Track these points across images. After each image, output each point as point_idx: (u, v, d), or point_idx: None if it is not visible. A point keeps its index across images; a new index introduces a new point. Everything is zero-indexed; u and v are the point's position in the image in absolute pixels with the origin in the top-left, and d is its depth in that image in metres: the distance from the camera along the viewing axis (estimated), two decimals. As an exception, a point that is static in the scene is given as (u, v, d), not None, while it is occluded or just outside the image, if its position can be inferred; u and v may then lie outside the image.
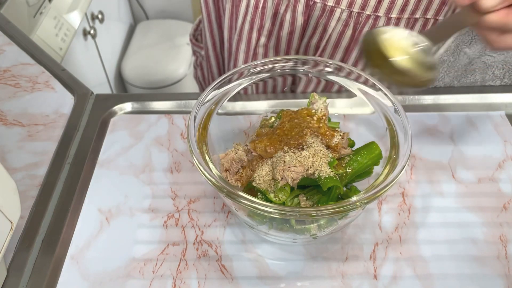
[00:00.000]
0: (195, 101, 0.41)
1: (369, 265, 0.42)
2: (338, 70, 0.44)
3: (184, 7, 1.54)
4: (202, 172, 0.36)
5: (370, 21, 0.51)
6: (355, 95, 0.44)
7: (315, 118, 0.41)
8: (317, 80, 0.61)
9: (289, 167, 0.36)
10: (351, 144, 0.42)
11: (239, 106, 0.48)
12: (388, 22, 0.51)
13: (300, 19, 0.52)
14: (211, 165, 0.37)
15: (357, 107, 0.45)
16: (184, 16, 1.56)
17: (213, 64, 0.69)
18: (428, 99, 0.57)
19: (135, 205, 0.47)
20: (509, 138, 0.52)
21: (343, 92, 0.45)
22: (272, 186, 0.38)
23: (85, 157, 0.52)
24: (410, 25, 0.51)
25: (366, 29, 0.52)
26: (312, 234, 0.40)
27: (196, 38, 0.74)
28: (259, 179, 0.38)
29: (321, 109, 0.41)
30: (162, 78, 1.37)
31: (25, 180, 0.50)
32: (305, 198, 0.38)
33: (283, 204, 0.38)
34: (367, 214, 0.46)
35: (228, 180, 0.40)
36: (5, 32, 0.64)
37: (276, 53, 0.59)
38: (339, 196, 0.39)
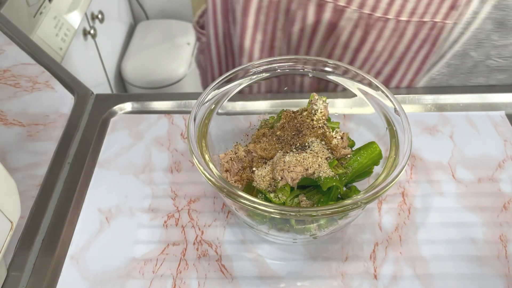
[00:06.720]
0: (195, 101, 0.41)
1: (369, 265, 0.42)
2: (338, 70, 0.44)
3: (184, 7, 1.54)
4: (202, 172, 0.36)
5: (380, 23, 0.51)
6: (355, 95, 0.44)
7: (315, 118, 0.41)
8: (317, 80, 0.61)
9: (289, 167, 0.36)
10: (351, 144, 0.42)
11: (239, 106, 0.48)
12: (397, 24, 0.51)
13: (311, 18, 0.53)
14: (211, 165, 0.37)
15: (357, 107, 0.44)
16: (184, 16, 1.56)
17: (213, 53, 0.70)
18: (428, 99, 0.57)
19: (135, 205, 0.47)
20: (509, 138, 0.52)
21: (343, 92, 0.45)
22: (272, 186, 0.38)
23: (85, 157, 0.52)
24: (419, 28, 0.52)
25: (375, 31, 0.52)
26: (312, 234, 0.40)
27: (201, 25, 0.75)
28: (259, 179, 0.38)
29: (321, 109, 0.41)
30: (162, 78, 1.36)
31: (25, 180, 0.50)
32: (305, 198, 0.38)
33: (283, 204, 0.38)
34: (367, 214, 0.46)
35: (228, 181, 0.40)
36: (5, 32, 0.64)
37: (288, 49, 0.59)
38: (339, 196, 0.39)
